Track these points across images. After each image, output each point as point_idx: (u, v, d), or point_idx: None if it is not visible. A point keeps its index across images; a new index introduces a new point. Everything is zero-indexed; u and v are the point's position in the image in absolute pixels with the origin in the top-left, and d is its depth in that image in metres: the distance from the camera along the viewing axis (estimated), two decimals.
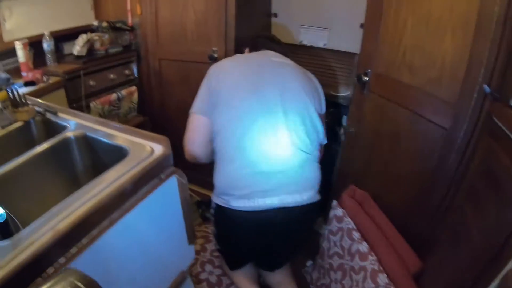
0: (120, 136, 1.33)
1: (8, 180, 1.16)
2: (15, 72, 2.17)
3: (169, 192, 1.26)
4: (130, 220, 1.08)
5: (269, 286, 1.97)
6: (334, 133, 2.36)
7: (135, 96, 2.73)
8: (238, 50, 2.01)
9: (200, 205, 2.61)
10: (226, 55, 2.30)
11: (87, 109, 2.37)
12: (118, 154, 1.24)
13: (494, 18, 1.20)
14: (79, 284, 0.70)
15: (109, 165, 1.14)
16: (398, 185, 1.78)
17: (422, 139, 1.61)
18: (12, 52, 2.17)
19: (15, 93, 1.47)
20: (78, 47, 2.41)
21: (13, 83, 1.98)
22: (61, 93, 2.21)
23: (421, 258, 1.53)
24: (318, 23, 2.33)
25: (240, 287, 1.91)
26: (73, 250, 0.91)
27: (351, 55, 2.24)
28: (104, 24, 2.54)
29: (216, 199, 1.63)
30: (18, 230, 0.97)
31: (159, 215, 1.25)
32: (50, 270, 0.85)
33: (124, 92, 2.62)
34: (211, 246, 2.28)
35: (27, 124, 1.49)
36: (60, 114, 1.51)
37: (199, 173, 2.17)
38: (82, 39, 2.43)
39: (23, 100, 1.48)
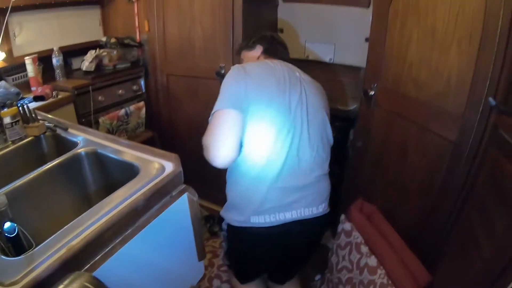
0: (130, 153, 1.35)
1: (20, 196, 1.17)
2: (25, 86, 2.21)
3: (180, 209, 1.26)
4: (142, 238, 1.08)
5: None
6: (341, 147, 2.37)
7: (143, 111, 2.76)
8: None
9: (208, 220, 2.61)
10: None
11: (95, 124, 2.39)
12: (129, 171, 1.26)
13: (499, 31, 1.21)
14: (89, 285, 0.71)
15: (119, 182, 1.16)
16: (406, 198, 1.78)
17: (429, 152, 1.61)
18: (21, 67, 2.22)
19: (26, 108, 1.49)
20: (87, 62, 2.45)
21: (23, 98, 2.02)
22: (70, 108, 2.24)
23: (430, 271, 1.52)
24: (324, 38, 2.35)
25: None
26: (87, 267, 0.92)
27: (357, 69, 2.25)
28: (113, 40, 2.58)
29: (232, 217, 1.56)
30: (30, 245, 0.99)
31: (170, 232, 1.25)
32: None
33: (132, 107, 2.65)
34: (219, 261, 2.27)
35: (37, 139, 1.51)
36: (71, 130, 1.53)
37: (207, 188, 2.18)
38: (90, 54, 2.47)
39: (33, 115, 1.50)
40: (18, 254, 0.87)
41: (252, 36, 1.81)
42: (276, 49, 1.77)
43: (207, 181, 2.48)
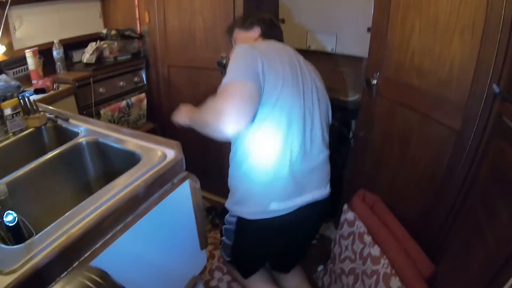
0: (131, 142, 1.34)
1: (20, 185, 1.17)
2: (26, 80, 2.21)
3: (182, 197, 1.26)
4: (143, 225, 1.08)
5: None
6: (343, 137, 2.36)
7: (145, 103, 2.75)
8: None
9: (210, 211, 2.61)
10: None
11: (97, 116, 2.39)
12: (130, 159, 1.25)
13: (501, 20, 1.20)
14: (94, 277, 0.71)
15: (121, 170, 1.15)
16: (409, 188, 1.77)
17: (432, 141, 1.60)
18: (22, 60, 2.22)
19: (27, 100, 1.48)
20: (87, 55, 2.44)
21: (24, 91, 2.01)
22: (71, 100, 2.23)
23: (433, 261, 1.51)
24: (326, 28, 2.33)
25: None
26: (87, 255, 0.92)
27: (359, 59, 2.23)
28: (113, 32, 2.57)
29: (245, 210, 1.52)
30: (31, 235, 0.98)
31: (172, 220, 1.25)
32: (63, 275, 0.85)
33: (133, 99, 2.64)
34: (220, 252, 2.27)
35: (38, 130, 1.50)
36: (72, 121, 1.53)
37: (209, 179, 2.17)
38: (91, 47, 2.46)
39: (34, 107, 1.50)
40: (18, 243, 0.87)
41: (249, 17, 1.73)
42: (275, 33, 1.71)
43: (209, 173, 2.47)
